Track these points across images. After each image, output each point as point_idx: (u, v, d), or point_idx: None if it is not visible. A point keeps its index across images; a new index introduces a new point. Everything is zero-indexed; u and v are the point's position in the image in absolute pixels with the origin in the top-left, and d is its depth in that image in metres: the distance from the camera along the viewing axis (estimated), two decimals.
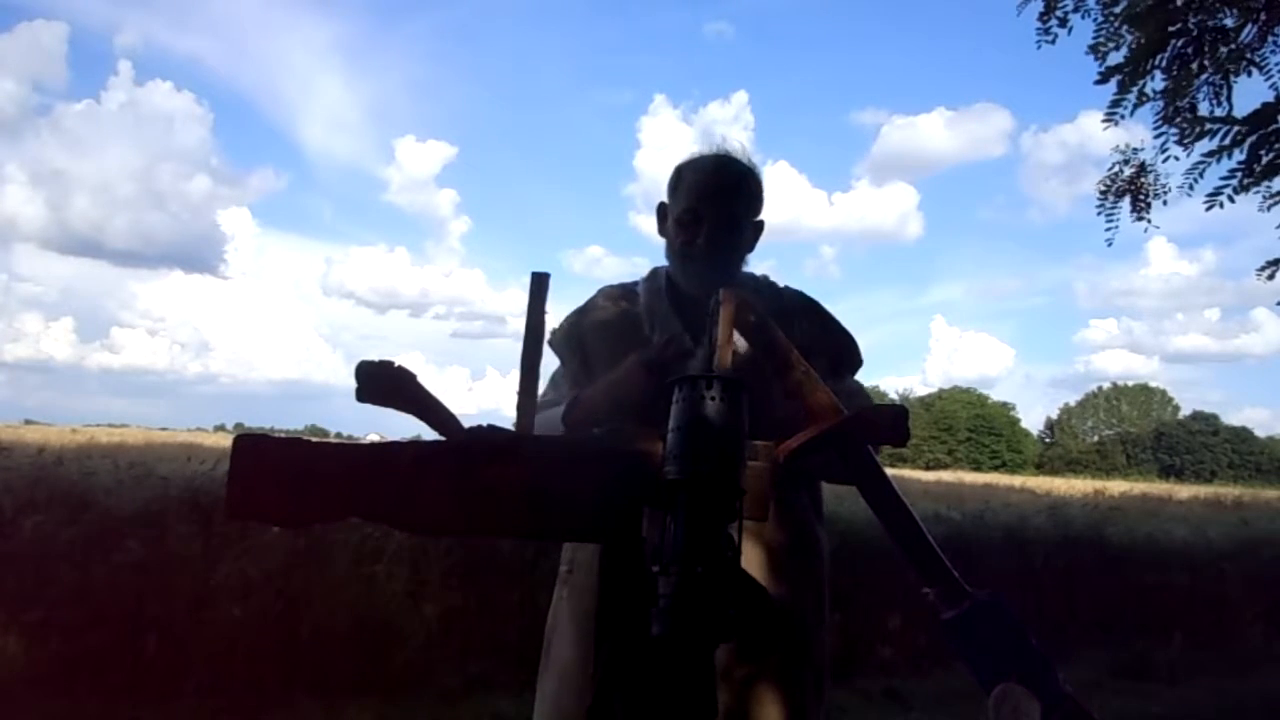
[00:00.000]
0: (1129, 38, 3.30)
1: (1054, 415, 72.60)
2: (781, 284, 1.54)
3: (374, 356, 1.03)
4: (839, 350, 1.48)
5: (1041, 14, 3.50)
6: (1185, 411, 69.13)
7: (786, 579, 1.31)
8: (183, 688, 3.12)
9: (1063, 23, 3.48)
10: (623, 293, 1.52)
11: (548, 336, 1.47)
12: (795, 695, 1.30)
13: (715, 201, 1.41)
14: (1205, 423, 65.41)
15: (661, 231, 1.50)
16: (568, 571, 1.42)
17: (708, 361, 1.06)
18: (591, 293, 1.56)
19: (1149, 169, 3.62)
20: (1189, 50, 3.21)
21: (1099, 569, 5.23)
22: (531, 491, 0.86)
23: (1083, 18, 3.44)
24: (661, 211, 1.50)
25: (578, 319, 1.51)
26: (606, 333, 1.46)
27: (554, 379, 1.53)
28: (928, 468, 42.38)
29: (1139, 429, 67.86)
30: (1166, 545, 5.78)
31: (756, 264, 1.53)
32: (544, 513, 0.87)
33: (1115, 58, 3.31)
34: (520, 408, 1.29)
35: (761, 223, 1.50)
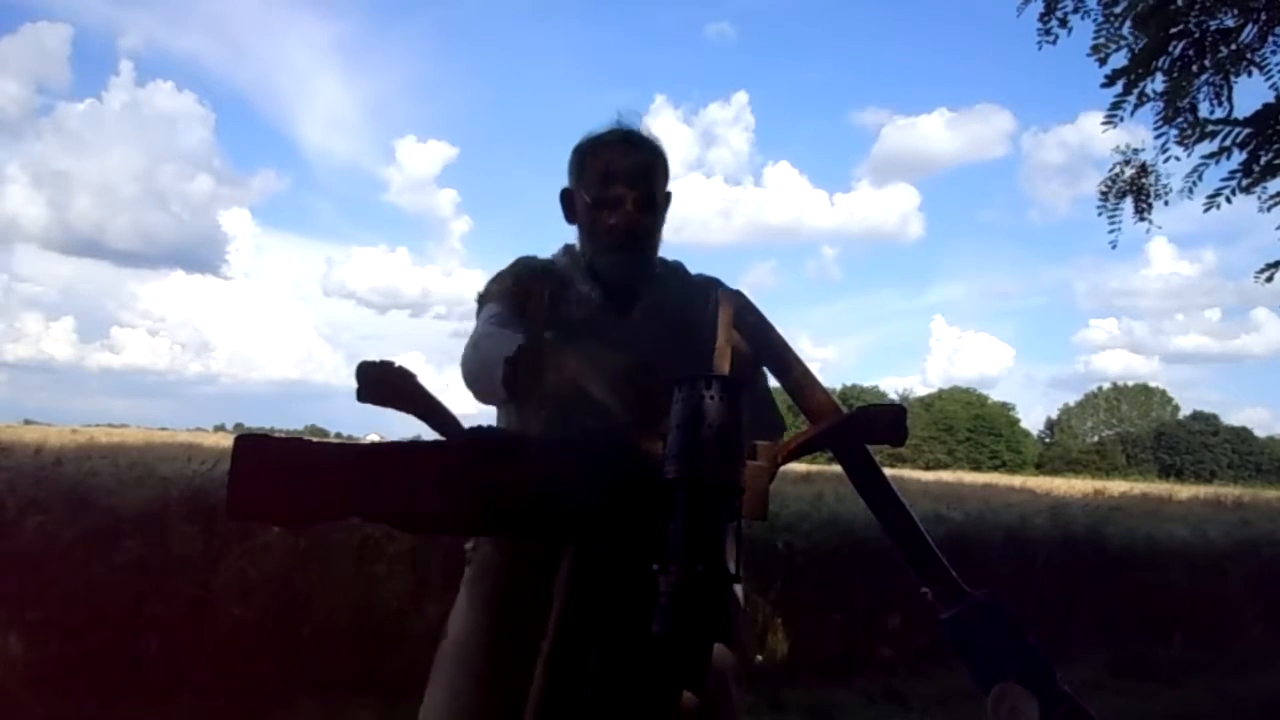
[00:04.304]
0: (1130, 39, 3.30)
1: (1054, 415, 72.72)
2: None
3: (374, 357, 1.03)
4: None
5: (1042, 15, 3.50)
6: (1185, 411, 69.23)
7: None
8: (183, 688, 3.11)
9: (1063, 23, 3.48)
10: (543, 266, 1.47)
11: (479, 293, 1.45)
12: (729, 690, 1.28)
13: (628, 182, 1.36)
14: (1205, 423, 65.39)
15: (570, 218, 1.45)
16: (472, 549, 1.38)
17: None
18: None
19: (1150, 169, 3.62)
20: (1190, 52, 3.21)
21: (1099, 569, 5.22)
22: (532, 491, 0.86)
23: (1083, 18, 3.45)
24: (567, 198, 1.45)
25: (509, 282, 1.44)
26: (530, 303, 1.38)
27: (499, 317, 1.40)
28: (928, 468, 42.33)
29: (1139, 429, 67.83)
30: (1166, 545, 5.77)
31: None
32: (544, 513, 0.87)
33: (1117, 59, 3.32)
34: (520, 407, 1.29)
35: (669, 195, 1.45)
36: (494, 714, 1.21)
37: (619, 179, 1.36)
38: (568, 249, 1.48)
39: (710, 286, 1.42)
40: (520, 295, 1.39)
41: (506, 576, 1.27)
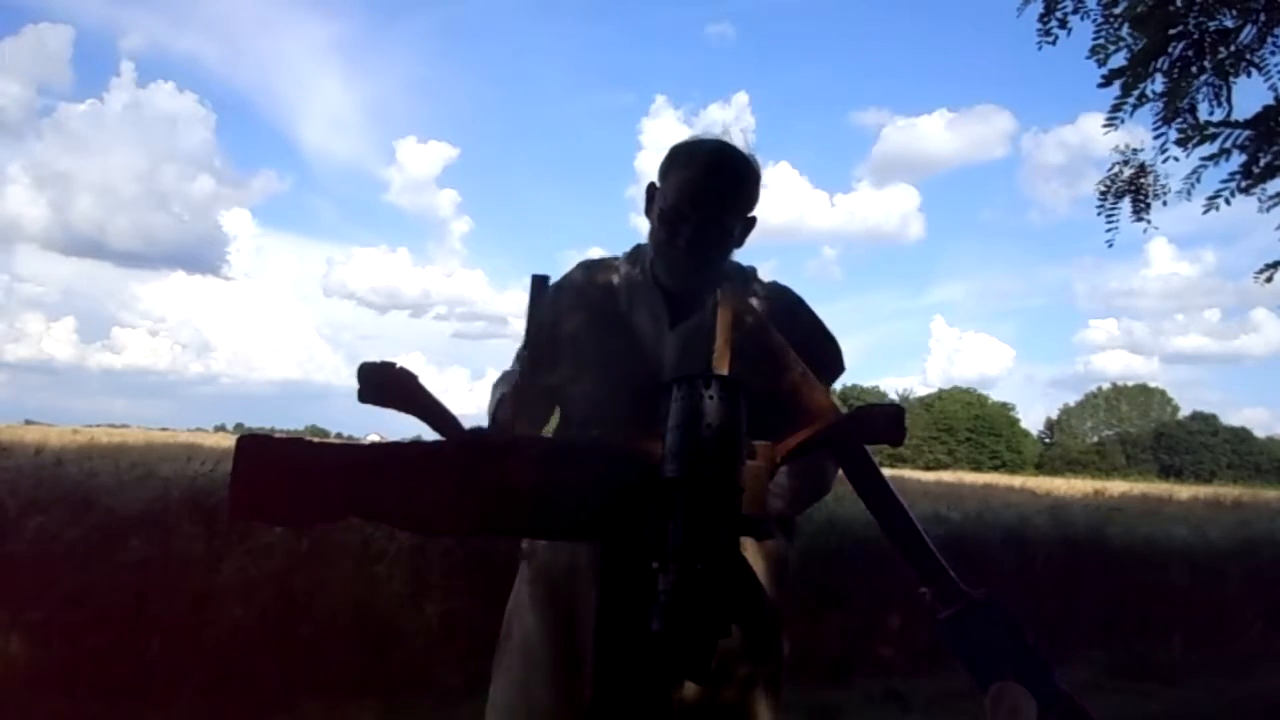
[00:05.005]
0: (1129, 39, 3.30)
1: (1054, 415, 72.68)
2: (767, 279, 1.45)
3: (375, 357, 1.04)
4: (822, 359, 1.32)
5: (1042, 15, 3.50)
6: (1185, 411, 69.19)
7: (760, 575, 1.30)
8: (184, 688, 3.12)
9: (1063, 24, 3.48)
10: (602, 267, 1.44)
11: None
12: (760, 692, 1.31)
13: (702, 205, 1.30)
14: (1205, 423, 65.35)
15: (648, 213, 1.40)
16: (529, 553, 1.38)
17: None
18: None
19: (1149, 170, 3.62)
20: (1190, 52, 3.21)
21: (1099, 569, 5.22)
22: (531, 491, 0.86)
23: (1082, 19, 3.45)
24: (650, 192, 1.39)
25: (555, 294, 1.39)
26: (582, 304, 1.39)
27: (518, 355, 1.43)
28: (928, 468, 42.26)
29: (1139, 429, 67.79)
30: (1166, 545, 5.77)
31: (759, 264, 1.41)
32: (544, 512, 0.88)
33: (1117, 60, 3.32)
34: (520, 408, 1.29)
35: (753, 219, 1.39)
36: (565, 713, 1.24)
37: (693, 199, 1.30)
38: (636, 250, 1.44)
39: (777, 295, 1.41)
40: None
41: (566, 579, 1.28)
